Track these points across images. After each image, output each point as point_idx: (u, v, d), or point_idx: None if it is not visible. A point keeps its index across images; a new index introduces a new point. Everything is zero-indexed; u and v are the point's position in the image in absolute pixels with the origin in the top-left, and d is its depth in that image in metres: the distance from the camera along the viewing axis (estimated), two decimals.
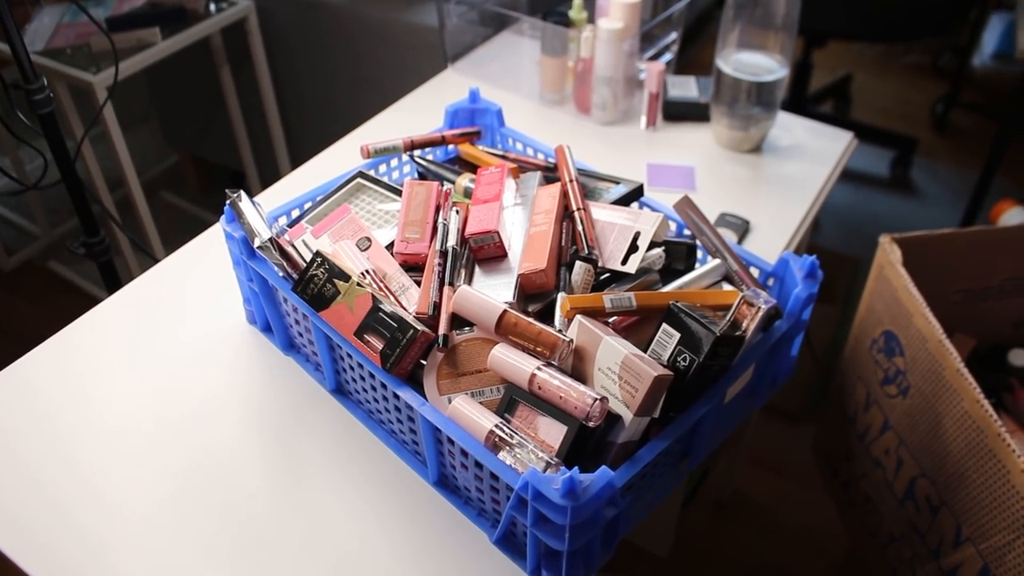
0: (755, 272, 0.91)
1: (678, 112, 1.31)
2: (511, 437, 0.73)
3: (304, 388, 0.93)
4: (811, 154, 1.27)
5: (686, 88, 1.32)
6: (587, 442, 0.73)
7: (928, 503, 0.96)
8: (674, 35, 1.36)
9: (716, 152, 1.26)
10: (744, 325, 0.79)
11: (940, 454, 0.93)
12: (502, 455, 0.73)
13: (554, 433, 0.73)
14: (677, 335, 0.76)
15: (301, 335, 0.92)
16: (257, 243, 0.85)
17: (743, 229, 1.11)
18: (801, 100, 2.60)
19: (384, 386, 0.81)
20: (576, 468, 0.66)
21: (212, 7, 1.83)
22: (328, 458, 0.86)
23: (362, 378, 0.85)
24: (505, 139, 1.09)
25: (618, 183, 0.97)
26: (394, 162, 1.07)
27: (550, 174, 0.98)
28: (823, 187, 1.21)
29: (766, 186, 1.20)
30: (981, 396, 0.86)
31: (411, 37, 1.68)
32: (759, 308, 0.79)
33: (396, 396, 0.80)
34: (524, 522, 0.71)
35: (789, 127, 1.32)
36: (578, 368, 0.77)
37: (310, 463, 0.86)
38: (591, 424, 0.71)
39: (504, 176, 0.91)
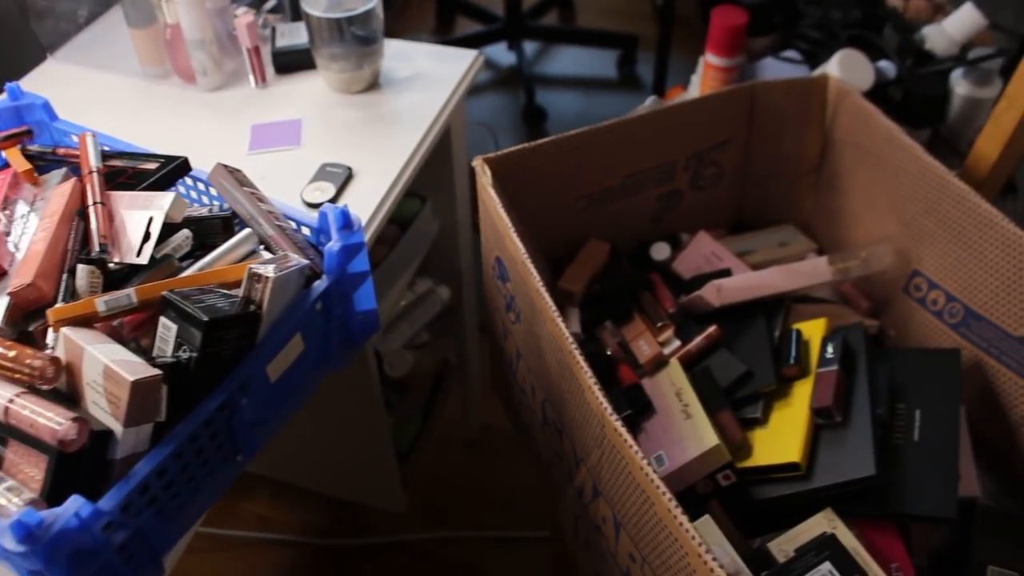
0: (307, 231, 0.85)
1: (288, 63, 1.23)
2: None
3: None
4: (431, 81, 1.21)
5: (296, 35, 1.24)
6: (78, 469, 0.66)
7: (555, 426, 0.94)
8: None
9: (329, 98, 1.19)
10: (258, 299, 0.73)
11: (548, 376, 0.90)
12: None
13: (43, 464, 0.66)
14: (175, 327, 0.70)
15: None
16: None
17: (344, 178, 1.05)
18: (519, 17, 2.55)
19: None
20: (29, 509, 0.59)
21: None
22: None
23: None
24: (63, 134, 0.99)
25: (163, 161, 0.89)
26: None
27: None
28: (439, 115, 1.15)
29: (378, 126, 1.14)
30: (555, 314, 0.83)
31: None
32: (267, 279, 0.72)
33: None
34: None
35: (409, 56, 1.26)
36: (73, 387, 0.69)
37: None
38: (70, 449, 0.64)
39: (5, 185, 0.82)
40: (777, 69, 1.24)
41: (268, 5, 1.28)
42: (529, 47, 2.69)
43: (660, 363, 0.98)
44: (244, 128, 1.15)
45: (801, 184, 1.20)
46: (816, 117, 1.15)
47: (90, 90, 1.22)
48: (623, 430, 0.73)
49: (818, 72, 1.16)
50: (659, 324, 1.02)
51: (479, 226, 1.05)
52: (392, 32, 1.21)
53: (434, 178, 1.31)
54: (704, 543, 0.65)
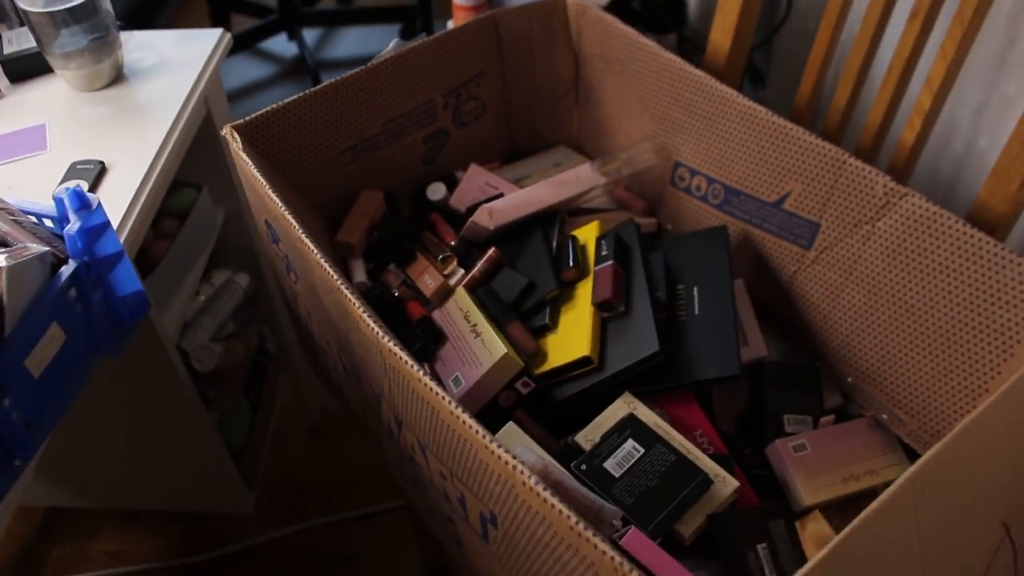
0: (49, 224, 0.81)
1: (21, 69, 1.17)
2: None
3: None
4: (179, 66, 1.18)
5: (24, 40, 1.18)
6: None
7: (353, 373, 0.94)
8: None
9: (73, 98, 1.14)
10: None
11: (333, 324, 0.90)
12: None
13: None
14: None
15: None
16: None
17: (96, 173, 1.01)
18: (293, 6, 2.51)
19: None
20: None
21: None
22: None
23: None
24: None
25: None
26: None
27: None
28: (189, 96, 1.13)
29: (128, 117, 1.10)
30: (319, 257, 0.82)
31: None
32: (1, 269, 0.69)
33: None
34: None
35: (152, 44, 1.22)
36: None
37: None
38: None
39: None
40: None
41: None
42: (310, 35, 2.65)
43: (446, 293, 0.99)
44: None
45: (562, 104, 1.23)
46: (562, 37, 1.18)
47: None
48: (396, 348, 0.74)
49: None
50: (441, 257, 1.03)
51: None
52: None
53: (207, 166, 1.28)
54: (490, 437, 0.67)
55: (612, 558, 0.59)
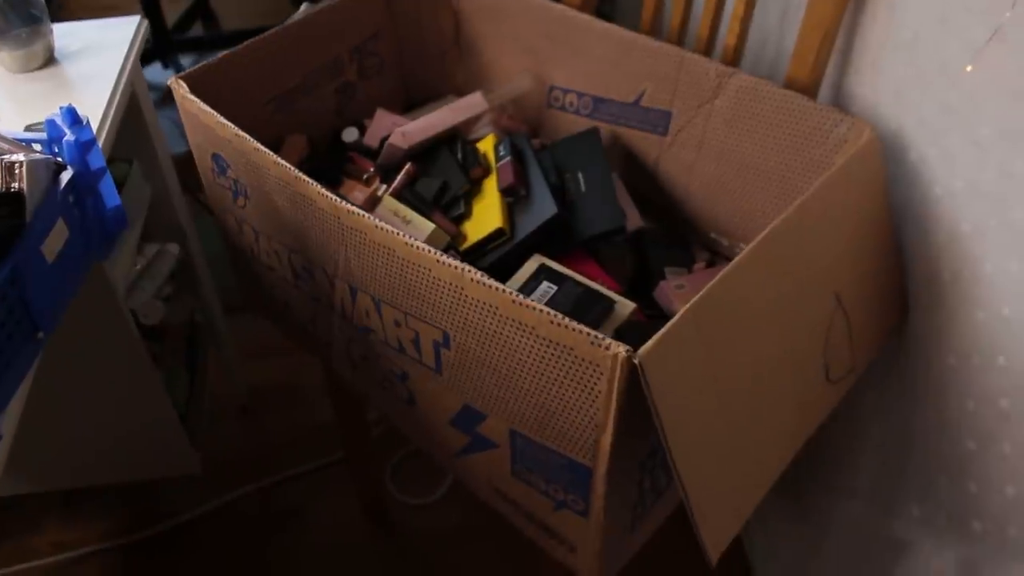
0: (37, 148, 0.95)
1: None
2: None
3: None
4: (105, 48, 1.33)
5: None
6: None
7: (304, 269, 1.10)
8: None
9: (10, 79, 1.27)
10: (16, 185, 0.83)
11: (285, 222, 1.06)
12: None
13: None
14: None
15: None
16: None
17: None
18: (166, 35, 2.64)
19: None
20: None
21: None
22: None
23: None
24: None
25: None
26: None
27: None
28: (120, 74, 1.28)
29: (67, 91, 1.24)
30: (275, 157, 0.98)
31: None
32: (22, 163, 0.83)
33: None
34: None
35: (78, 32, 1.37)
36: None
37: None
38: None
39: None
40: None
41: None
42: (185, 61, 2.78)
43: (375, 201, 1.17)
44: None
45: (447, 57, 1.43)
46: None
47: None
48: (353, 207, 0.91)
49: None
50: (365, 177, 1.20)
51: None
52: None
53: (132, 143, 1.42)
54: (439, 253, 0.85)
55: (547, 312, 0.78)
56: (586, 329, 0.76)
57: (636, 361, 0.73)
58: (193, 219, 1.58)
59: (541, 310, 0.78)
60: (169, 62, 2.69)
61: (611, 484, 0.85)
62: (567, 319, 0.77)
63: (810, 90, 1.13)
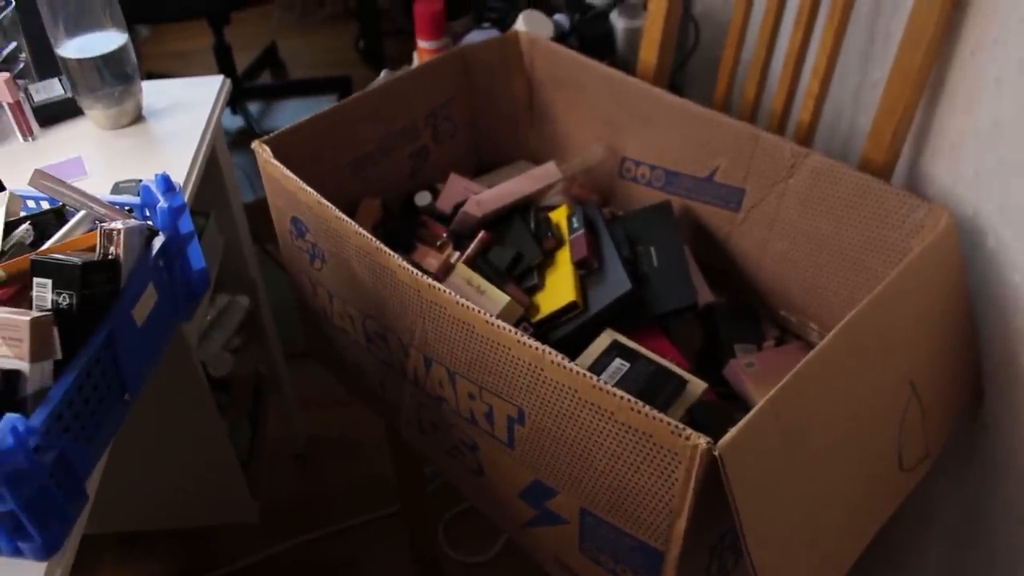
0: (131, 212, 0.98)
1: (52, 114, 1.34)
2: None
3: None
4: (190, 106, 1.37)
5: (51, 89, 1.35)
6: None
7: (378, 336, 1.11)
8: (14, 44, 1.38)
9: (101, 136, 1.32)
10: (113, 250, 0.86)
11: (363, 290, 1.08)
12: None
13: None
14: (49, 280, 0.82)
15: None
16: None
17: (138, 190, 1.17)
18: (236, 82, 2.71)
19: None
20: None
21: None
22: None
23: None
24: None
25: None
26: None
27: None
28: (205, 131, 1.31)
29: (154, 148, 1.28)
30: (357, 227, 1.01)
31: None
32: (119, 230, 0.86)
33: None
34: None
35: (165, 90, 1.41)
36: None
37: None
38: None
39: None
40: (479, 37, 1.49)
41: (17, 66, 1.38)
42: (254, 107, 2.85)
43: (448, 268, 1.18)
44: (26, 176, 1.24)
45: (520, 123, 1.45)
46: (517, 65, 1.41)
47: None
48: (433, 282, 0.92)
49: (510, 31, 1.43)
50: (439, 243, 1.22)
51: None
52: None
53: (209, 197, 1.46)
54: (519, 331, 0.86)
55: (628, 400, 0.78)
56: (666, 418, 0.76)
57: (716, 453, 0.74)
58: (260, 272, 1.61)
59: (621, 396, 0.79)
60: (238, 107, 2.76)
61: (682, 569, 0.84)
62: (647, 407, 0.78)
63: (885, 171, 1.13)
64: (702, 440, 0.74)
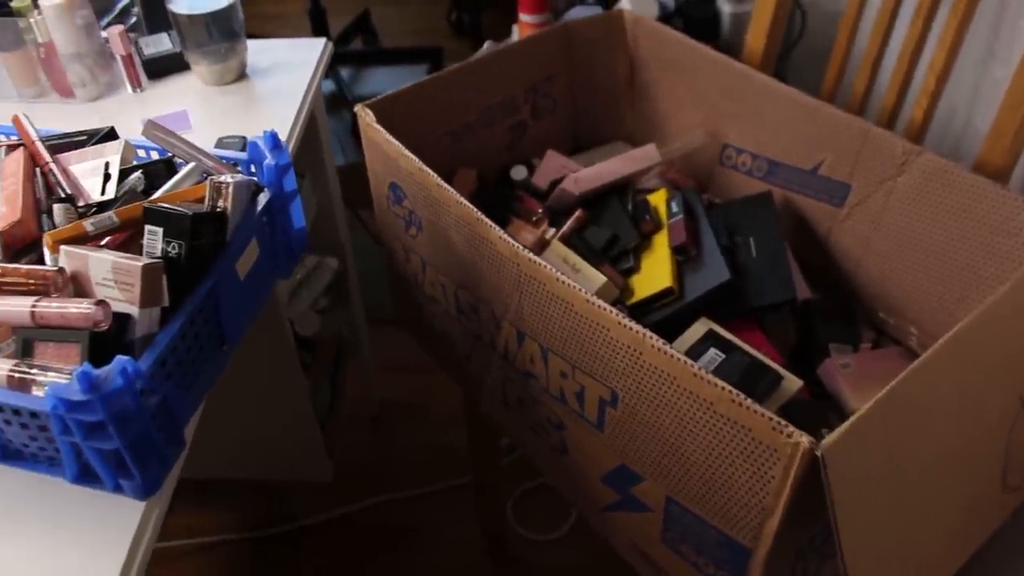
0: (237, 167, 0.99)
1: (160, 67, 1.36)
2: (34, 372, 0.76)
3: None
4: (292, 67, 1.38)
5: (160, 44, 1.37)
6: (106, 348, 0.78)
7: (470, 306, 1.11)
8: None
9: (206, 91, 1.33)
10: (221, 203, 0.87)
11: (459, 260, 1.07)
12: (35, 390, 0.76)
13: (74, 353, 0.78)
14: (160, 229, 0.83)
15: None
16: None
17: (241, 145, 1.19)
18: None
19: None
20: (87, 363, 0.71)
21: None
22: None
23: None
24: None
25: (93, 135, 1.01)
26: None
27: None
28: (307, 92, 1.32)
29: (257, 105, 1.30)
30: (458, 196, 1.00)
31: None
32: (229, 184, 0.87)
33: None
34: (78, 442, 0.75)
35: (268, 49, 1.42)
36: (81, 292, 0.81)
37: None
38: (101, 328, 0.76)
39: None
40: (582, 14, 1.48)
41: (131, 20, 1.40)
42: (345, 72, 2.87)
43: (543, 244, 1.17)
44: (134, 126, 1.26)
45: (619, 102, 1.43)
46: (620, 43, 1.39)
47: None
48: (533, 256, 0.91)
49: (615, 9, 1.41)
50: (535, 218, 1.21)
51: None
52: None
53: (305, 159, 1.47)
54: (620, 312, 0.85)
55: (730, 391, 0.77)
56: (767, 413, 0.74)
57: (819, 453, 0.72)
58: (351, 236, 1.62)
59: (722, 387, 0.77)
60: (330, 72, 2.78)
61: (768, 568, 0.83)
62: (748, 400, 0.76)
63: (1002, 174, 1.09)
64: (804, 438, 0.72)
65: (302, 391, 1.44)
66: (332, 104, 2.77)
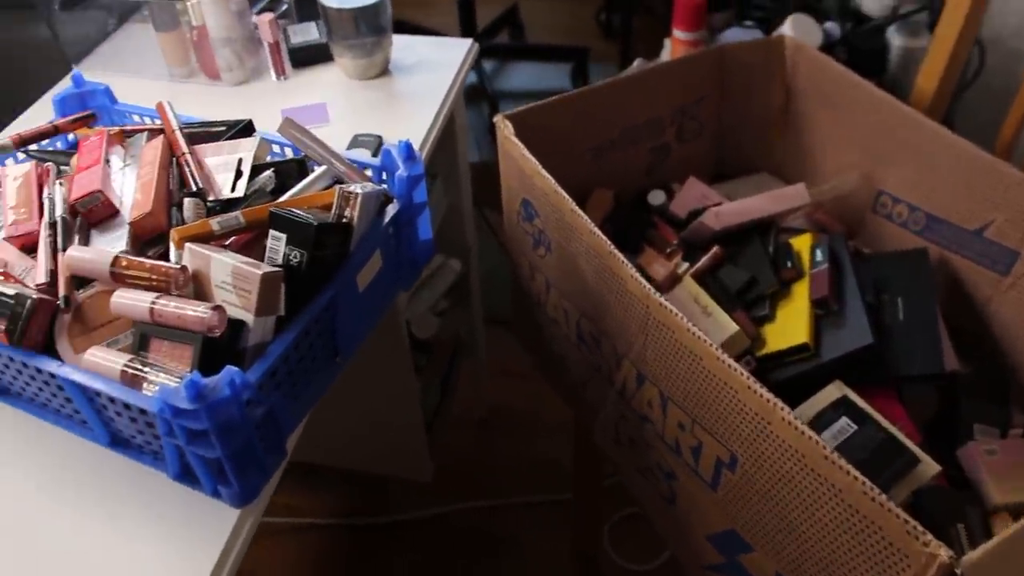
0: (368, 173, 0.97)
1: (305, 57, 1.36)
2: (146, 370, 0.76)
3: None
4: (435, 66, 1.36)
5: (307, 33, 1.37)
6: (218, 354, 0.77)
7: (591, 338, 1.07)
8: None
9: (347, 84, 1.32)
10: (348, 213, 0.85)
11: (585, 289, 1.03)
12: (146, 388, 0.76)
13: (187, 355, 0.77)
14: (284, 236, 0.81)
15: None
16: None
17: (376, 145, 1.17)
18: (475, 38, 2.71)
19: (26, 365, 0.81)
20: (197, 372, 0.70)
21: None
22: None
23: (6, 367, 0.84)
24: (123, 115, 1.10)
25: (231, 127, 1.01)
26: (10, 163, 1.06)
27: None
28: (448, 92, 1.29)
29: (397, 103, 1.28)
30: (592, 225, 0.96)
31: (28, 59, 1.62)
32: (357, 194, 0.85)
33: (39, 371, 0.81)
34: (181, 445, 0.75)
35: (413, 46, 1.40)
36: (200, 291, 0.80)
37: None
38: (215, 334, 0.75)
39: (103, 142, 0.93)
40: (739, 36, 1.41)
41: (282, 8, 1.41)
42: (488, 64, 2.85)
43: (675, 280, 1.12)
44: (273, 114, 1.27)
45: (770, 132, 1.36)
46: (777, 71, 1.31)
47: (120, 93, 1.33)
48: (666, 302, 0.86)
49: (775, 34, 1.33)
50: (668, 250, 1.15)
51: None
52: None
53: (439, 159, 1.45)
54: (752, 378, 0.79)
55: (863, 482, 0.70)
56: (903, 514, 0.68)
57: (959, 571, 0.64)
58: (478, 239, 1.60)
59: (856, 477, 0.71)
60: (473, 64, 2.76)
61: None
62: (882, 495, 0.69)
63: None
64: (943, 551, 0.65)
65: (412, 394, 1.43)
66: (471, 96, 2.76)
